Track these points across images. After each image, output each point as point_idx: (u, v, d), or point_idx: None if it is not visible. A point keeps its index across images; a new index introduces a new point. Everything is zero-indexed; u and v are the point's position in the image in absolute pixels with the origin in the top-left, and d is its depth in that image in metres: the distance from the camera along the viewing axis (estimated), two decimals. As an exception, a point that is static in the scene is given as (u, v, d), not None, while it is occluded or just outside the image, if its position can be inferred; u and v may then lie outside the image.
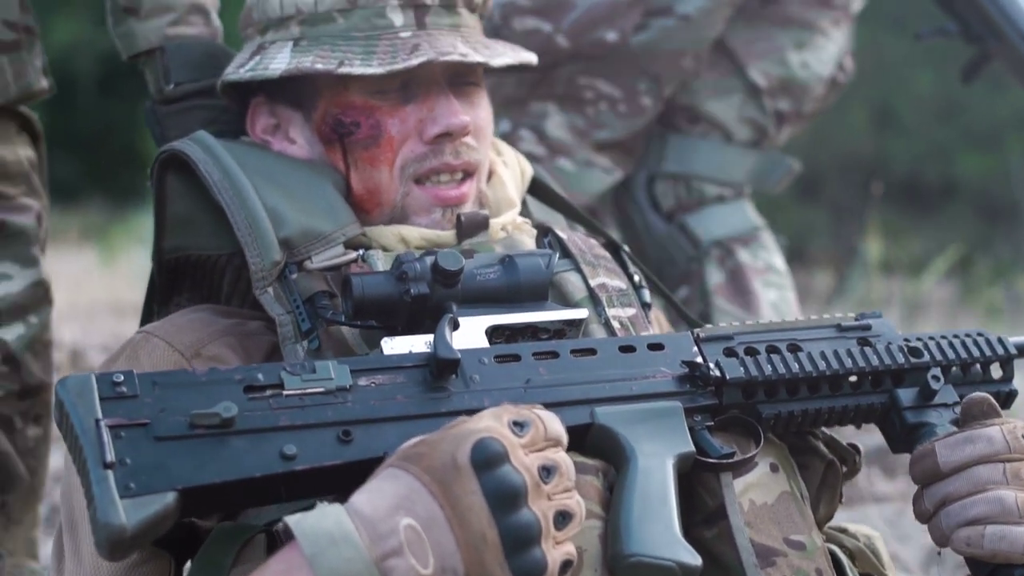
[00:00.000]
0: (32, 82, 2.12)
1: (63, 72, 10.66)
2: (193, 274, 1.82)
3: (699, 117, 2.85)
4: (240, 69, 1.82)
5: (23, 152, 2.18)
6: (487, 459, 1.29)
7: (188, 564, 1.56)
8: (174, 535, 1.47)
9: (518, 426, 1.33)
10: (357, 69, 1.72)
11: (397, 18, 1.77)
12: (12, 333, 2.17)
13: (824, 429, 1.67)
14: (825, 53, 2.92)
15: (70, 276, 6.61)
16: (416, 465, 1.31)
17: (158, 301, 1.85)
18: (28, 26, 2.08)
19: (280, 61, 1.77)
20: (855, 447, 1.70)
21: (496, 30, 2.68)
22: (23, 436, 2.21)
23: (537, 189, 1.94)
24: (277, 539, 1.45)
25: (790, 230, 3.79)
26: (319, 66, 1.73)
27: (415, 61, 1.71)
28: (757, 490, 1.56)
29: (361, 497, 1.30)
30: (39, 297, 2.21)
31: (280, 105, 1.83)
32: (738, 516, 1.52)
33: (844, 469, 1.69)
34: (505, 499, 1.29)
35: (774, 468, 1.58)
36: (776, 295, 2.81)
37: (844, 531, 1.76)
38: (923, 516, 1.57)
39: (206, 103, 1.95)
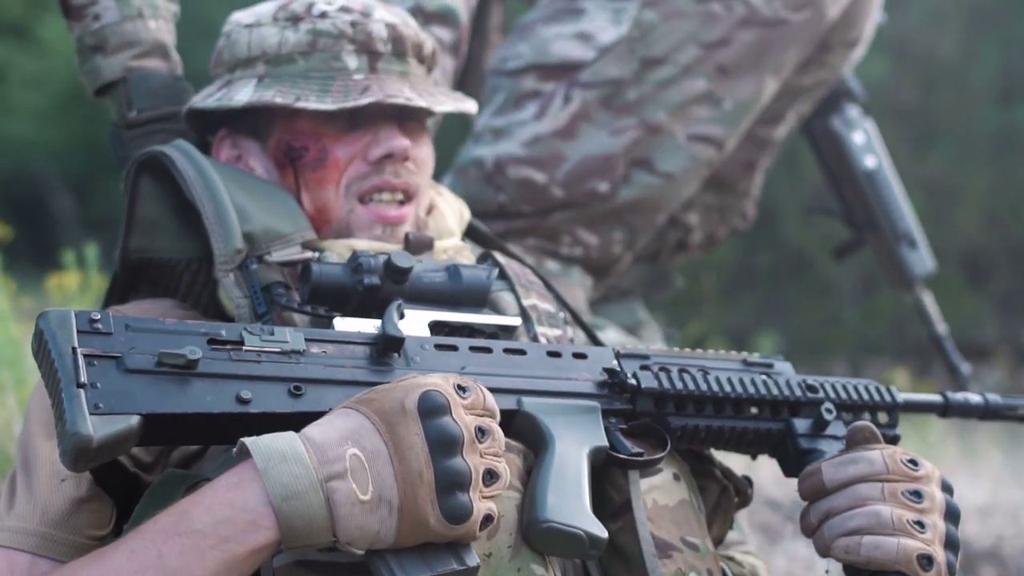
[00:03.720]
0: None
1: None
2: (151, 276, 1.96)
3: None
4: (208, 99, 1.99)
5: None
6: (431, 408, 1.46)
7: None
8: (118, 484, 1.65)
9: (462, 389, 1.50)
10: (312, 105, 1.90)
11: (352, 62, 1.95)
12: None
13: (722, 461, 1.85)
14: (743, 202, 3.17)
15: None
16: (367, 406, 1.47)
17: (116, 298, 1.99)
18: None
19: (244, 94, 1.94)
20: (748, 479, 1.87)
21: (488, 177, 2.83)
22: None
23: (473, 231, 2.12)
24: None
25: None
26: (278, 100, 1.91)
27: (364, 101, 1.90)
28: (660, 492, 1.72)
29: (314, 428, 1.46)
30: None
31: (241, 136, 2.00)
32: (642, 511, 1.68)
33: (737, 499, 1.86)
34: (443, 445, 1.44)
35: (676, 477, 1.75)
36: None
37: (731, 559, 1.91)
38: (808, 529, 1.72)
39: (166, 127, 2.10)
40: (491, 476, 1.47)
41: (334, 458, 1.42)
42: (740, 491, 1.86)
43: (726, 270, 8.81)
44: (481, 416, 1.49)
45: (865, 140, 3.42)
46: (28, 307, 4.52)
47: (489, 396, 1.52)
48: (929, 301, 3.51)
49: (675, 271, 3.18)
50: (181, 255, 1.93)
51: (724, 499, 1.84)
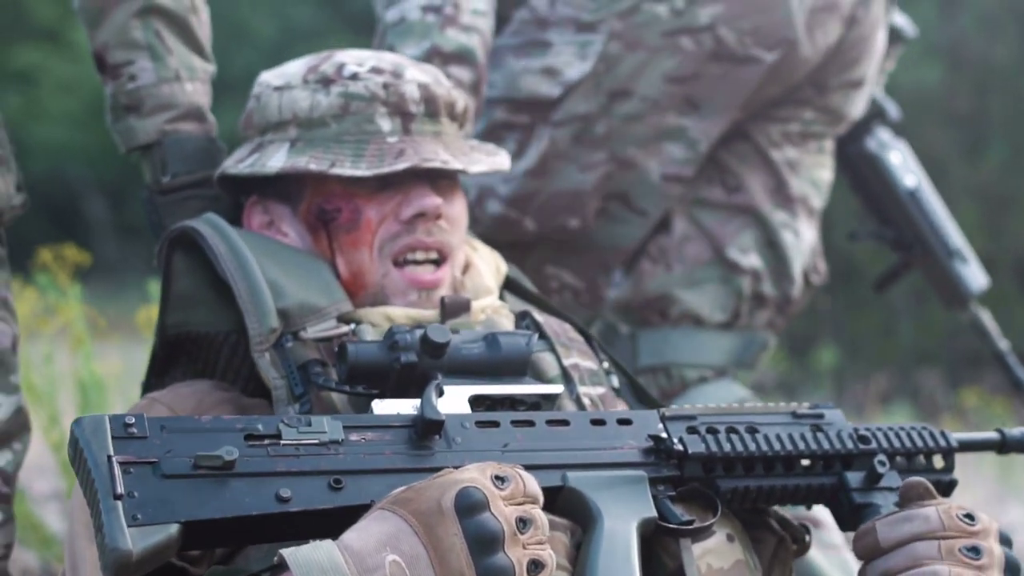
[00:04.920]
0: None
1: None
2: (190, 350, 1.94)
3: (669, 312, 2.94)
4: (239, 164, 1.96)
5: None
6: (469, 505, 1.42)
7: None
8: None
9: (500, 480, 1.46)
10: (347, 171, 1.87)
11: (385, 124, 1.92)
12: (2, 459, 2.05)
13: (777, 508, 1.80)
14: (799, 245, 3.02)
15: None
16: (404, 508, 1.44)
17: (156, 374, 1.97)
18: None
19: (277, 160, 1.91)
20: (805, 527, 1.82)
21: (469, 206, 2.76)
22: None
23: (511, 284, 2.08)
24: None
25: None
26: (312, 166, 1.88)
27: (400, 166, 1.87)
28: (714, 556, 1.69)
29: (351, 534, 1.43)
30: (21, 423, 2.09)
31: (271, 201, 1.97)
32: None
33: (795, 547, 1.81)
34: (484, 543, 1.41)
35: (730, 538, 1.71)
36: None
37: None
38: None
39: (201, 193, 2.08)
40: (536, 566, 1.44)
41: (374, 566, 1.40)
42: (797, 539, 1.82)
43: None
44: (521, 504, 1.46)
45: (902, 159, 3.37)
46: (118, 343, 4.43)
47: (530, 481, 1.48)
48: (987, 317, 3.43)
49: (763, 332, 3.03)
50: (219, 328, 1.90)
51: (781, 550, 1.80)
